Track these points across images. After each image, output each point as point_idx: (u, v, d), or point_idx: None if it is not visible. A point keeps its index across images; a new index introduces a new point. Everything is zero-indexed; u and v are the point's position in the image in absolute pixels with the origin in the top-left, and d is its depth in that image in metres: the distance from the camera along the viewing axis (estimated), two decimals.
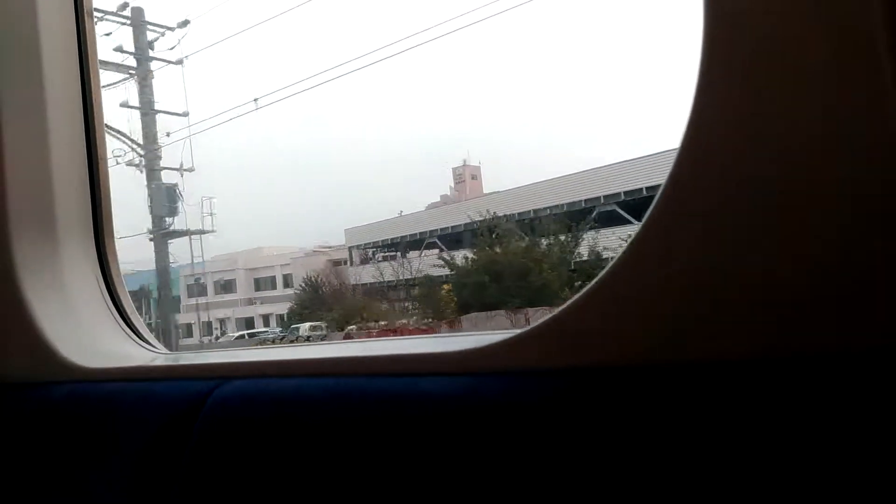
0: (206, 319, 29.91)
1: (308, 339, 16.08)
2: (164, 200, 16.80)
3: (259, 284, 31.74)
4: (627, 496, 0.71)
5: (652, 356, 0.75)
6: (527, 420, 0.78)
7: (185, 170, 16.82)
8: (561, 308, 0.82)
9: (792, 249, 0.68)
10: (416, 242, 20.33)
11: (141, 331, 1.40)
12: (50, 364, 1.24)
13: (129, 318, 1.41)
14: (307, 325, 19.87)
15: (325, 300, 21.68)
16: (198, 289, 32.01)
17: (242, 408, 1.00)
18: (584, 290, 0.80)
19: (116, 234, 1.45)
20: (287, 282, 30.34)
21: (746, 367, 0.69)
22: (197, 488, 0.99)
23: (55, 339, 1.26)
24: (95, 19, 1.43)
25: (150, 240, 16.82)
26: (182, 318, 31.69)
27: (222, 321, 30.03)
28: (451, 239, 18.68)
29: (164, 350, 1.38)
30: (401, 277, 18.83)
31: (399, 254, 20.53)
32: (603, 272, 0.78)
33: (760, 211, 0.69)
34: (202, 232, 18.93)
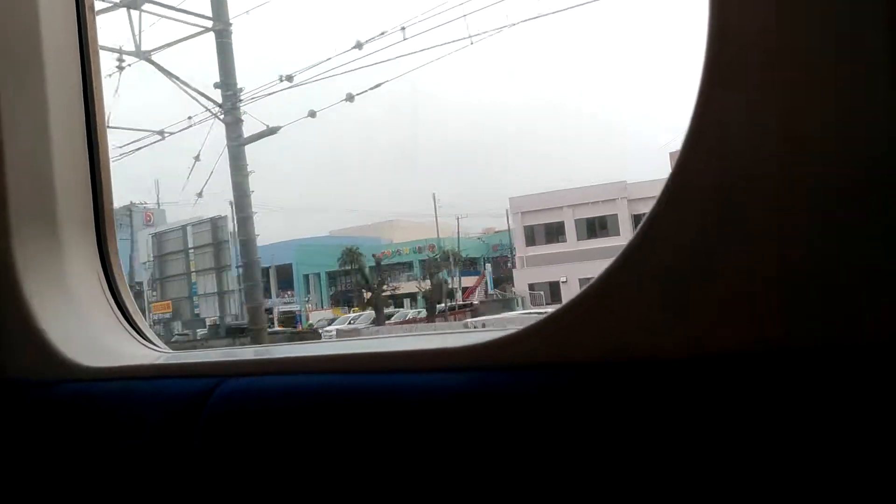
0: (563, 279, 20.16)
1: None
2: None
3: (590, 228, 21.90)
4: (631, 487, 0.71)
5: (655, 351, 0.75)
6: (533, 413, 0.78)
7: None
8: (564, 304, 0.82)
9: (794, 245, 0.69)
10: None
11: (143, 328, 1.40)
12: (52, 363, 1.23)
13: (131, 316, 1.40)
14: None
15: None
16: (546, 232, 22.20)
17: (246, 405, 1.00)
18: (586, 286, 0.80)
19: None
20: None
21: (749, 360, 0.70)
22: (201, 485, 0.99)
23: (57, 337, 1.25)
24: None
25: None
26: (523, 275, 21.80)
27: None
28: None
29: (166, 348, 1.38)
30: None
31: None
32: (603, 270, 0.79)
33: (761, 208, 0.70)
34: None
